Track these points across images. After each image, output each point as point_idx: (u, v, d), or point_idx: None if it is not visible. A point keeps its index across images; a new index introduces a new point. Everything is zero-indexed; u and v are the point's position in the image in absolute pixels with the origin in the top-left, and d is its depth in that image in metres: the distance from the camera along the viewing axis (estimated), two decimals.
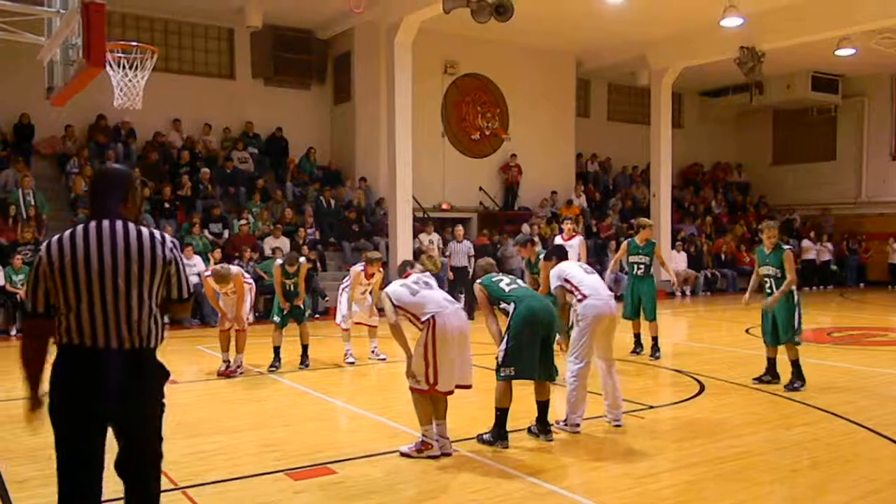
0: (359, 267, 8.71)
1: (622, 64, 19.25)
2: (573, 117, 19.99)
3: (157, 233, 2.92)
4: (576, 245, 9.14)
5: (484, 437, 5.31)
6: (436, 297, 5.09)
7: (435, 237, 15.25)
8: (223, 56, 16.89)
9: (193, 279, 11.00)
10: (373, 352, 9.02)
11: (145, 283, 2.82)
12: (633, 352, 9.24)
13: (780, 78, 20.10)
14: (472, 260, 14.30)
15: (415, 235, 14.98)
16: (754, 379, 7.51)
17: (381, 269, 8.79)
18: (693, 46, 17.20)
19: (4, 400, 7.30)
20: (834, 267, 20.82)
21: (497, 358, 5.30)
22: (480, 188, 18.23)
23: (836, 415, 6.11)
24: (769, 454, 5.11)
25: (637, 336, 9.34)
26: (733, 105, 22.67)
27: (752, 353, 9.53)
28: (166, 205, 14.35)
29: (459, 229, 14.58)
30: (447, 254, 14.54)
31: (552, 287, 5.93)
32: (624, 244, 9.65)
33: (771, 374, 7.46)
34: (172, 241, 2.96)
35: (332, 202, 16.06)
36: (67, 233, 2.82)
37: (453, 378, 4.93)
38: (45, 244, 2.83)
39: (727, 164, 24.19)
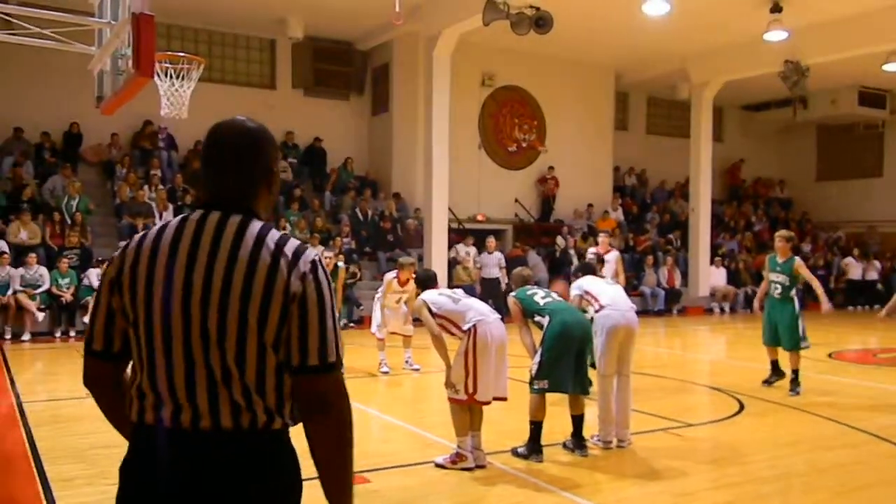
0: (391, 274, 8.73)
1: (662, 77, 19.10)
2: (611, 130, 19.86)
3: (290, 242, 1.69)
4: (612, 260, 8.87)
5: (518, 450, 5.27)
6: (478, 306, 5.13)
7: (472, 249, 15.27)
8: (265, 66, 17.18)
9: None
10: (406, 362, 9.03)
11: (251, 327, 1.62)
12: (766, 381, 8.04)
13: (825, 92, 19.72)
14: (504, 271, 14.29)
15: (450, 246, 15.01)
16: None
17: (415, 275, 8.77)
18: (735, 60, 16.98)
19: (48, 400, 7.48)
20: (880, 286, 20.28)
21: (531, 371, 5.27)
22: (516, 200, 18.19)
23: (881, 438, 5.94)
24: (810, 476, 4.99)
25: (774, 363, 8.08)
26: (776, 120, 22.32)
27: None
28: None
29: (490, 240, 14.56)
30: (478, 265, 14.54)
31: (571, 296, 5.90)
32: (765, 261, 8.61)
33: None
34: (314, 259, 1.69)
35: (369, 212, 16.19)
36: (156, 228, 1.75)
37: (490, 388, 4.91)
38: (124, 244, 1.80)
39: (769, 179, 23.79)
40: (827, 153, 23.42)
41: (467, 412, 4.98)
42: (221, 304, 1.61)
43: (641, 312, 16.30)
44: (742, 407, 7.15)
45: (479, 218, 17.44)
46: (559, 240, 17.34)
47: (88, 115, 11.28)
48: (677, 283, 17.76)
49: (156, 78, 7.45)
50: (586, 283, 5.95)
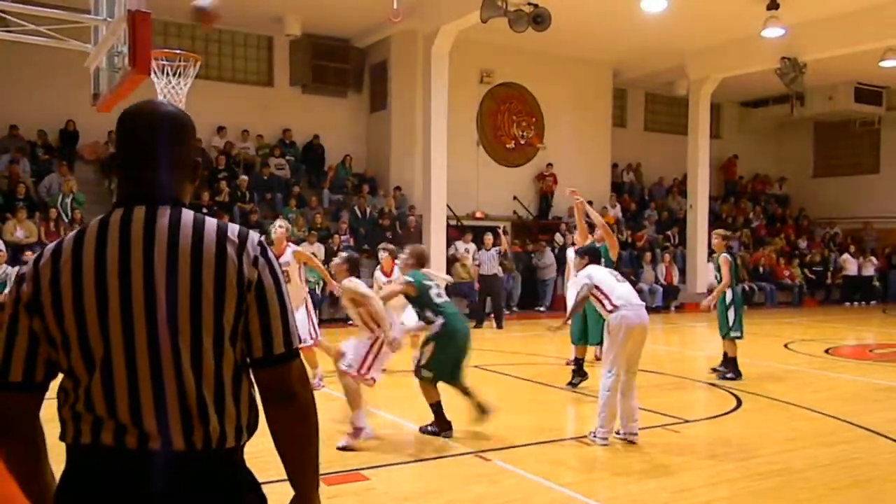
0: (377, 272, 8.31)
1: (660, 74, 19.10)
2: (609, 127, 19.87)
3: (230, 227, 1.58)
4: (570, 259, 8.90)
5: (428, 428, 5.72)
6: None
7: (472, 246, 15.28)
8: (262, 64, 17.15)
9: None
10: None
11: (207, 325, 1.48)
12: (714, 369, 8.71)
13: (822, 89, 19.74)
14: (501, 268, 14.34)
15: (448, 243, 15.00)
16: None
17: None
18: (733, 57, 16.99)
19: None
20: (876, 283, 20.33)
21: (418, 360, 5.68)
22: (514, 197, 18.19)
23: (878, 433, 5.95)
24: (808, 471, 5.00)
25: (725, 354, 8.65)
26: (773, 116, 22.33)
27: (790, 369, 9.36)
28: (204, 210, 14.59)
29: (488, 237, 14.59)
30: (477, 262, 14.55)
31: (579, 285, 5.78)
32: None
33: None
34: (260, 242, 1.59)
35: (367, 210, 16.17)
36: (72, 235, 1.55)
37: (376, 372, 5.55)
38: (33, 258, 1.57)
39: (766, 175, 23.80)
40: (824, 149, 23.45)
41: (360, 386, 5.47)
42: (170, 305, 1.45)
43: None
44: (739, 403, 7.17)
45: (478, 215, 17.44)
46: (557, 237, 17.35)
47: (85, 112, 11.22)
48: (675, 279, 17.79)
49: (152, 75, 7.44)
50: (596, 275, 5.76)
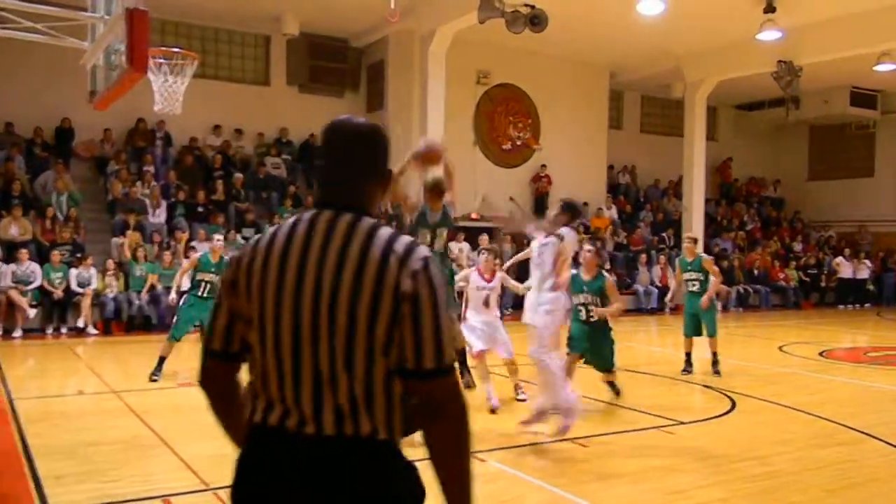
0: None
1: (656, 76, 19.13)
2: (605, 129, 19.89)
3: (400, 238, 1.65)
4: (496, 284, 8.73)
5: None
6: None
7: (465, 245, 15.27)
8: (259, 63, 17.12)
9: None
10: None
11: (360, 328, 1.58)
12: (685, 370, 8.77)
13: (817, 93, 19.78)
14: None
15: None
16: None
17: None
18: (729, 60, 17.03)
19: (39, 397, 7.46)
20: (870, 286, 20.40)
21: None
22: (511, 198, 18.17)
23: (872, 436, 5.98)
24: (802, 473, 5.02)
25: (688, 355, 8.85)
26: (769, 119, 22.39)
27: (785, 372, 9.40)
28: (199, 209, 14.57)
29: (483, 238, 14.58)
30: (471, 262, 14.54)
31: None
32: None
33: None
34: (426, 257, 1.64)
35: None
36: (274, 228, 1.75)
37: None
38: (245, 243, 1.81)
39: (761, 178, 23.87)
40: (819, 153, 23.52)
41: None
42: (331, 303, 1.58)
43: (634, 310, 16.47)
44: (734, 405, 7.18)
45: (473, 216, 17.44)
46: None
47: (81, 110, 11.22)
48: (670, 281, 17.80)
49: (150, 73, 7.43)
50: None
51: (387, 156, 1.79)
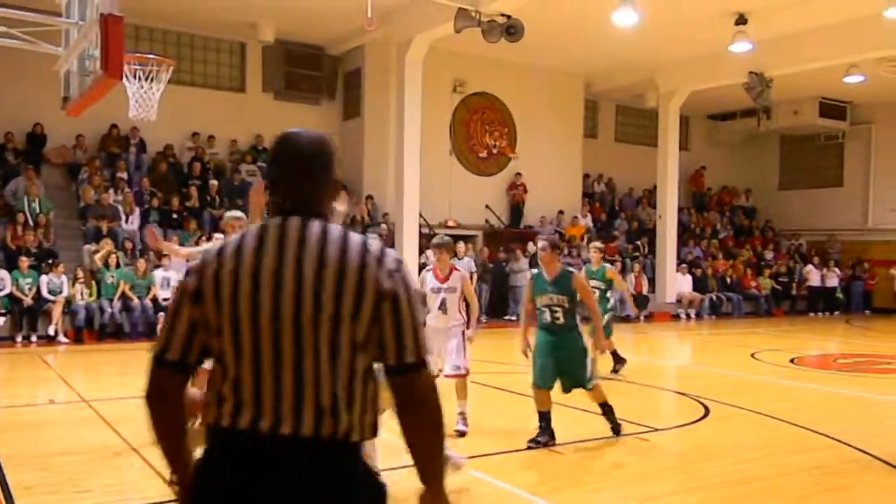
0: None
1: (631, 86, 19.35)
2: (581, 138, 20.06)
3: (371, 241, 1.76)
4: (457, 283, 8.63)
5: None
6: None
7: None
8: (234, 70, 17.03)
9: None
10: None
11: (345, 328, 1.65)
12: (614, 370, 9.24)
13: (787, 103, 20.16)
14: (475, 276, 14.31)
15: (420, 252, 15.00)
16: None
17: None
18: (702, 70, 17.29)
19: (8, 407, 7.32)
20: (839, 295, 20.75)
21: None
22: (487, 206, 18.27)
23: (842, 442, 6.07)
24: (774, 479, 5.08)
25: (614, 353, 9.31)
26: (740, 129, 22.74)
27: (757, 379, 9.52)
28: (174, 215, 14.42)
29: (461, 246, 14.62)
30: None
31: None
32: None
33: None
34: (396, 260, 1.75)
35: None
36: (236, 236, 1.77)
37: None
38: (206, 252, 1.81)
39: (733, 187, 24.21)
40: (789, 163, 23.91)
41: None
42: (315, 304, 1.64)
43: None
44: (707, 412, 7.26)
45: (450, 224, 17.47)
46: (530, 246, 17.43)
47: (53, 116, 11.08)
48: (644, 289, 17.97)
49: (124, 79, 7.36)
50: None
51: (334, 166, 1.87)
